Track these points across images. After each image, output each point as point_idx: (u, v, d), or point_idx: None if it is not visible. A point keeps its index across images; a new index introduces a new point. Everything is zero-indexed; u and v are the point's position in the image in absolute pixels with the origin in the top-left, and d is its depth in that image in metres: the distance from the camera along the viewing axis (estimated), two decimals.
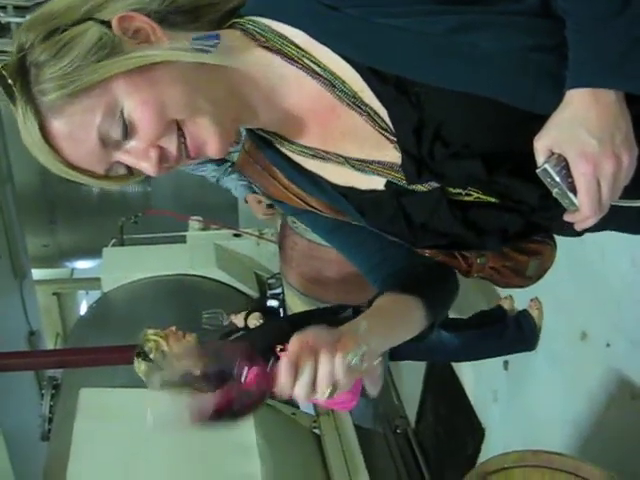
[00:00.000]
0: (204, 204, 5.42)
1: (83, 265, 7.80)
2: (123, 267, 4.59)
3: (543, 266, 1.17)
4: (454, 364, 3.38)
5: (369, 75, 0.82)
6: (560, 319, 2.49)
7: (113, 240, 5.03)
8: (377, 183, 0.92)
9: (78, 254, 7.39)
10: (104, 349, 3.15)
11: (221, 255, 4.65)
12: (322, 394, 0.84)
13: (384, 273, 1.08)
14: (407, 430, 4.03)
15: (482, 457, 3.04)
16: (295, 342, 0.85)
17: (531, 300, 2.82)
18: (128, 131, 0.80)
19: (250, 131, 0.97)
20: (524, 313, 2.82)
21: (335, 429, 3.07)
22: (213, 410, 0.86)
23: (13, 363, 3.32)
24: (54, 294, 7.48)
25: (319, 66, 0.84)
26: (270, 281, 4.60)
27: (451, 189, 0.88)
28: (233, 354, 0.86)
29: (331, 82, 0.84)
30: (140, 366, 2.41)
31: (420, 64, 0.79)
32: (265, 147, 0.98)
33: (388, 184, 0.91)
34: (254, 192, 3.72)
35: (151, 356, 2.39)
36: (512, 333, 2.79)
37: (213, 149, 0.84)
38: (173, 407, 0.88)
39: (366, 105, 0.84)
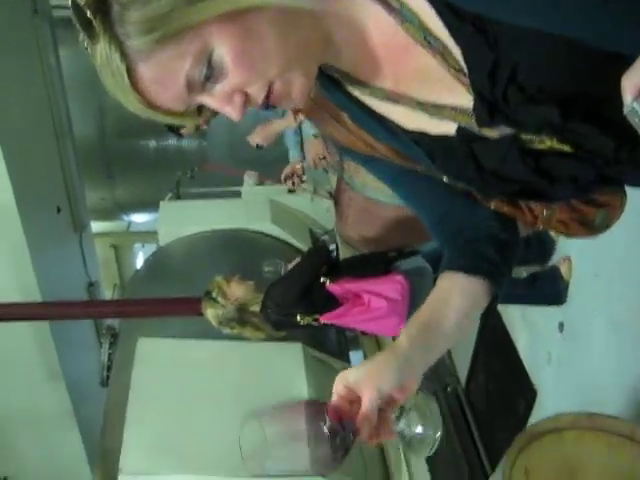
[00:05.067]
0: (259, 159, 5.42)
1: (140, 219, 7.93)
2: (179, 221, 4.64)
3: (611, 217, 1.15)
4: (507, 324, 3.34)
5: (446, 12, 0.79)
6: (622, 280, 2.43)
7: (169, 194, 5.09)
8: (448, 128, 0.90)
9: (135, 207, 7.52)
10: (162, 300, 3.20)
11: (276, 210, 4.66)
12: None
13: (448, 229, 1.07)
14: (457, 388, 4.02)
15: (533, 419, 3.02)
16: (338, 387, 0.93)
17: (562, 258, 2.80)
18: (216, 75, 0.78)
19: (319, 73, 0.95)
20: (554, 268, 2.82)
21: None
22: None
23: (74, 312, 3.41)
24: (112, 247, 7.64)
25: (397, 1, 0.81)
26: (324, 237, 4.61)
27: (523, 136, 0.85)
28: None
29: (407, 19, 0.81)
30: (204, 305, 2.56)
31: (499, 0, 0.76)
32: (334, 90, 0.96)
33: (459, 129, 0.89)
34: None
35: (213, 295, 2.53)
36: (545, 285, 2.78)
37: (298, 100, 0.83)
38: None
39: (440, 44, 0.81)
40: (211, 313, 2.57)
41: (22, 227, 4.03)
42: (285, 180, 4.20)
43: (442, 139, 0.91)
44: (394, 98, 0.90)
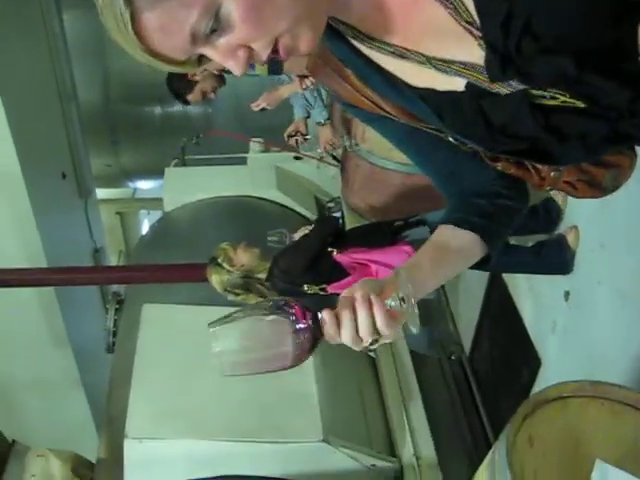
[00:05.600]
0: (265, 126, 5.39)
1: (145, 185, 7.91)
2: (184, 187, 4.64)
3: (620, 178, 1.13)
4: (513, 293, 3.34)
5: None
6: (629, 250, 2.41)
7: (175, 160, 5.07)
8: (457, 84, 0.87)
9: (140, 174, 7.50)
10: (167, 267, 3.22)
11: (281, 177, 4.64)
12: (366, 341, 0.91)
13: (455, 188, 1.07)
14: (462, 357, 4.04)
15: (537, 388, 3.03)
16: (342, 296, 0.89)
17: (569, 227, 2.79)
18: (222, 28, 0.76)
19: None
20: (561, 237, 2.80)
21: (390, 354, 3.10)
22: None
23: (80, 278, 3.43)
24: (117, 213, 7.64)
25: None
26: (330, 204, 4.61)
27: (535, 91, 0.83)
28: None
29: None
30: (210, 271, 2.60)
31: None
32: (339, 43, 0.94)
33: (468, 85, 0.86)
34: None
35: (219, 260, 2.57)
36: (551, 253, 2.78)
37: (304, 51, 0.81)
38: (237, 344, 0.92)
39: None
40: (216, 279, 2.59)
41: (27, 193, 4.03)
42: (288, 138, 4.20)
43: (450, 95, 0.89)
44: (401, 53, 0.88)
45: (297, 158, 4.85)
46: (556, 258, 2.78)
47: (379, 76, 0.93)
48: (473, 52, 0.82)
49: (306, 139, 4.23)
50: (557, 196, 2.85)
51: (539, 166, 1.02)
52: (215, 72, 3.51)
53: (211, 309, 2.85)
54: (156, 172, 5.48)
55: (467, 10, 0.79)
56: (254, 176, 4.66)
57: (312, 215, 4.56)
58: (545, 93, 0.82)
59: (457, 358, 4.04)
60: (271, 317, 0.90)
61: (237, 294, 2.55)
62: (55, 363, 4.72)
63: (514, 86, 0.83)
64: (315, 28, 0.81)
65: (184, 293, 3.15)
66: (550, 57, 0.76)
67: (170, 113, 6.71)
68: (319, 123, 4.09)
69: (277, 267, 2.49)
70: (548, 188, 1.07)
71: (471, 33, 0.80)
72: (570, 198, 2.75)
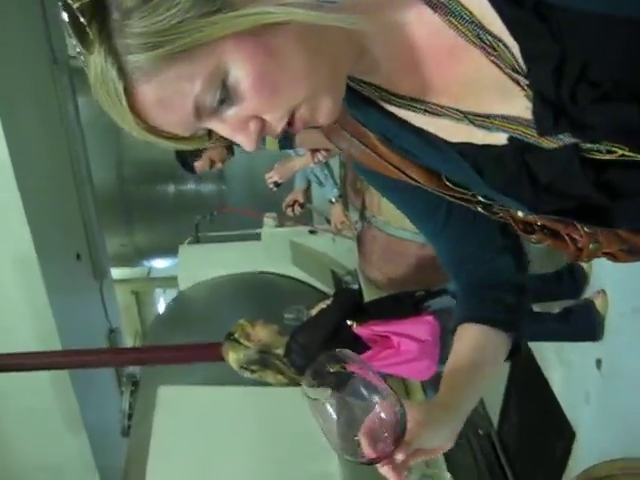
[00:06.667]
0: (279, 201, 5.40)
1: (160, 264, 7.93)
2: (199, 265, 4.62)
3: None
4: (541, 362, 3.23)
5: (501, 0, 0.69)
6: None
7: (189, 238, 5.07)
8: (498, 138, 0.78)
9: (155, 253, 7.52)
10: (182, 347, 3.16)
11: (297, 252, 4.61)
12: None
13: (467, 271, 1.03)
14: (490, 431, 3.89)
15: (573, 462, 2.89)
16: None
17: (596, 292, 2.71)
18: (230, 99, 0.68)
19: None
20: (589, 302, 2.73)
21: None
22: None
23: (94, 360, 3.36)
24: (132, 293, 7.63)
25: None
26: (346, 278, 4.54)
27: (588, 145, 0.73)
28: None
29: (455, 13, 0.71)
30: (226, 347, 2.53)
31: None
32: (362, 105, 0.85)
33: (511, 139, 0.77)
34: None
35: (236, 336, 2.51)
36: (579, 319, 2.71)
37: (324, 123, 0.74)
38: None
39: (494, 39, 0.70)
40: (232, 356, 2.52)
41: (42, 275, 4.02)
42: (286, 208, 4.16)
43: (490, 150, 0.79)
44: (435, 111, 0.79)
45: (312, 232, 4.82)
46: (584, 324, 2.70)
47: (410, 135, 0.84)
48: (517, 104, 0.74)
49: (303, 208, 4.19)
50: (597, 299, 2.76)
51: (577, 237, 0.94)
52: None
53: (228, 389, 2.79)
54: (171, 250, 5.48)
55: (513, 56, 0.71)
56: (269, 251, 4.63)
57: (329, 289, 4.50)
58: (600, 147, 0.73)
59: (485, 433, 3.89)
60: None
61: (253, 371, 2.48)
62: (69, 446, 4.63)
63: (564, 139, 0.74)
64: (336, 96, 0.73)
65: (200, 373, 3.09)
66: (610, 105, 0.68)
67: (183, 191, 6.77)
68: (330, 201, 4.06)
69: (295, 342, 2.42)
70: (586, 260, 1.00)
71: (517, 82, 0.72)
72: (596, 262, 2.69)
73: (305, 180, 4.09)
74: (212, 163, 3.47)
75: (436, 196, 0.93)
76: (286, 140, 2.97)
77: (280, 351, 2.48)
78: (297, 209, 4.10)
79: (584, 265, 2.79)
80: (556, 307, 2.84)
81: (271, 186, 3.71)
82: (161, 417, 2.69)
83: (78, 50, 0.66)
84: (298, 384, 2.63)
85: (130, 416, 3.62)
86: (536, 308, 2.84)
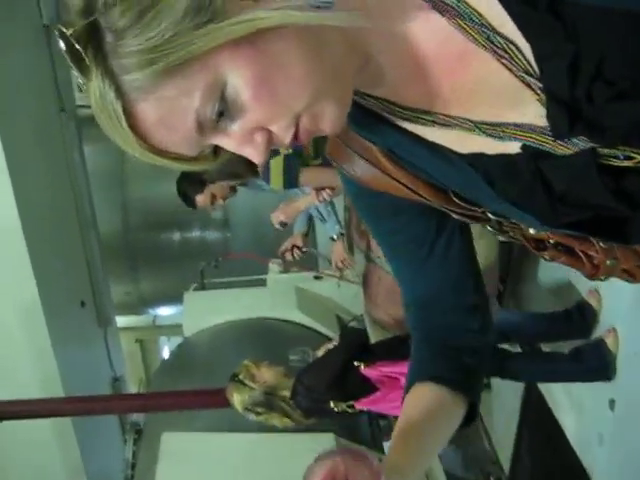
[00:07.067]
0: None
1: (165, 311, 7.89)
2: (204, 311, 4.60)
3: None
4: (552, 404, 3.17)
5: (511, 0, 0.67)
6: None
7: (194, 285, 5.05)
8: (510, 147, 0.75)
9: (160, 300, 7.49)
10: (186, 393, 3.12)
11: (302, 297, 4.60)
12: None
13: (428, 317, 1.02)
14: (501, 477, 3.80)
15: None
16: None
17: (607, 330, 2.67)
18: (231, 111, 0.66)
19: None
20: (600, 340, 2.68)
21: (424, 477, 2.91)
22: None
23: (97, 406, 3.32)
24: (137, 341, 7.59)
25: None
26: (352, 323, 4.50)
27: (606, 150, 0.70)
28: None
29: (465, 15, 0.69)
30: (230, 389, 2.48)
31: None
32: (368, 120, 0.82)
33: (524, 147, 0.74)
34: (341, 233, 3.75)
35: (241, 377, 2.46)
36: (590, 359, 2.66)
37: (328, 132, 0.72)
38: None
39: (506, 41, 0.68)
40: (237, 397, 2.47)
41: (46, 322, 4.00)
42: (282, 253, 4.10)
43: (502, 159, 0.76)
44: (444, 121, 0.77)
45: (317, 278, 4.80)
46: (596, 363, 2.65)
47: (419, 149, 0.81)
48: (530, 111, 0.71)
49: (303, 253, 4.15)
50: (591, 299, 2.76)
51: (592, 253, 0.90)
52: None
53: (233, 436, 2.74)
54: (176, 297, 5.46)
55: (525, 57, 0.68)
56: (274, 297, 4.62)
57: (334, 334, 4.47)
58: (618, 152, 0.70)
59: (496, 478, 3.80)
60: None
61: (259, 413, 2.43)
62: None
63: (579, 145, 0.71)
64: (340, 103, 0.71)
65: (204, 419, 3.05)
66: (626, 104, 0.65)
67: (188, 239, 6.78)
68: (332, 238, 4.03)
69: (301, 384, 2.38)
70: (602, 278, 0.96)
71: (529, 86, 0.70)
72: (605, 299, 2.67)
73: (305, 223, 4.07)
74: (214, 198, 3.42)
75: (422, 231, 0.94)
76: (291, 179, 2.97)
77: (286, 393, 2.44)
78: (297, 253, 4.05)
79: (594, 303, 2.76)
80: (566, 347, 2.80)
81: (277, 226, 3.68)
82: (165, 464, 2.65)
83: (80, 81, 0.66)
84: (303, 427, 2.58)
85: (133, 465, 3.57)
86: (545, 348, 2.80)
